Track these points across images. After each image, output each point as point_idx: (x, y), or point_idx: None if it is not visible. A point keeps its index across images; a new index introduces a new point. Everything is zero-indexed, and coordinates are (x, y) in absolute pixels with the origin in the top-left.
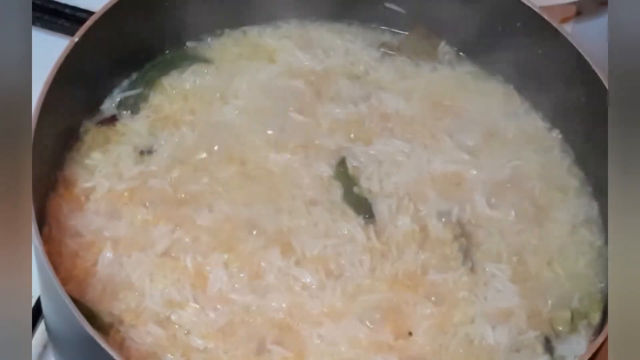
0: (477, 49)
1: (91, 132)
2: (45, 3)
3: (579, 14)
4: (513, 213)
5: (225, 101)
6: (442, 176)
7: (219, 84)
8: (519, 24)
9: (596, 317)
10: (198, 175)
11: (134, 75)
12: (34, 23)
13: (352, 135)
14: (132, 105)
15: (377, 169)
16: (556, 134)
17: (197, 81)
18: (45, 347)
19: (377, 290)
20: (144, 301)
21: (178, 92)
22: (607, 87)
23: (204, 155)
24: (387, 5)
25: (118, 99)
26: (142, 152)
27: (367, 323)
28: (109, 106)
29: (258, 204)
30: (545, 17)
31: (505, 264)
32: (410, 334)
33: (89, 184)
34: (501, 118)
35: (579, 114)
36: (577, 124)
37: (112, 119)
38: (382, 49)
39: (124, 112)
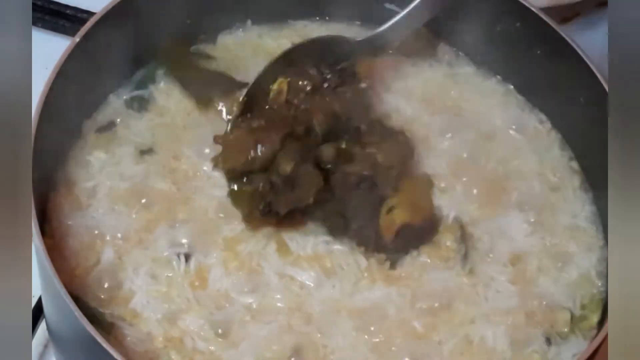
0: (476, 49)
1: (92, 133)
2: (47, 4)
3: (577, 14)
4: (512, 213)
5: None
6: (440, 176)
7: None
8: (518, 25)
9: (595, 318)
10: (198, 174)
11: (136, 76)
12: (35, 24)
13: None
14: (134, 106)
15: None
16: (555, 134)
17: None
18: (46, 346)
19: (375, 290)
20: (144, 301)
21: (179, 91)
22: (605, 87)
23: (204, 154)
24: (387, 6)
25: (120, 100)
26: (142, 152)
27: (366, 322)
28: (110, 107)
29: None
30: (544, 17)
31: (505, 265)
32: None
33: (90, 184)
34: (500, 118)
35: (577, 113)
36: (575, 124)
37: (110, 126)
38: None
39: (128, 111)
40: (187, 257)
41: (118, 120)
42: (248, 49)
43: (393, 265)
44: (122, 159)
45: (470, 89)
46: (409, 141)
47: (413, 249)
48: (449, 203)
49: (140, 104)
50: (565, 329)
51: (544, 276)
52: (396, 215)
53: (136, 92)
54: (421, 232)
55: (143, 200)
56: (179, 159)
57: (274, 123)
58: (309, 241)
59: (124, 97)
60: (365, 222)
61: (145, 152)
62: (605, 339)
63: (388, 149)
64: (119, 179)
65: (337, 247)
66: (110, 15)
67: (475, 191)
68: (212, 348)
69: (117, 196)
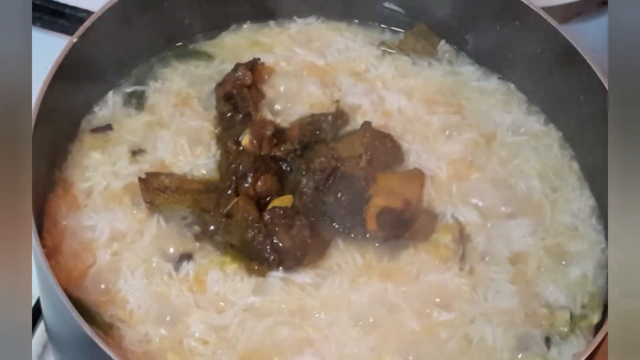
0: (476, 47)
1: (89, 133)
2: (45, 3)
3: (579, 14)
4: (512, 213)
5: None
6: (440, 175)
7: (218, 79)
8: (518, 23)
9: (595, 317)
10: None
11: (133, 74)
12: (33, 23)
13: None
14: (130, 104)
15: None
16: (555, 133)
17: (195, 78)
18: (45, 347)
19: (372, 286)
20: (143, 302)
21: (177, 90)
22: (605, 86)
23: (203, 151)
24: (386, 5)
25: (117, 99)
26: (135, 152)
27: (365, 321)
28: (106, 107)
29: None
30: (544, 16)
31: (505, 265)
32: None
33: (87, 184)
34: (501, 116)
35: (578, 112)
36: (576, 123)
37: (106, 128)
38: (382, 48)
39: (125, 110)
40: (184, 259)
41: (114, 120)
42: (246, 46)
43: (390, 260)
44: (119, 158)
45: (471, 87)
46: (377, 131)
47: (400, 236)
48: (448, 203)
49: (138, 102)
50: (565, 329)
51: (544, 276)
52: (374, 202)
53: (134, 90)
54: (405, 216)
55: (138, 200)
56: (172, 158)
57: None
58: None
59: (121, 96)
60: (349, 215)
61: (138, 151)
62: (604, 338)
63: (348, 140)
64: (114, 178)
65: (333, 245)
66: (108, 15)
67: (475, 190)
68: (211, 349)
69: (113, 196)
